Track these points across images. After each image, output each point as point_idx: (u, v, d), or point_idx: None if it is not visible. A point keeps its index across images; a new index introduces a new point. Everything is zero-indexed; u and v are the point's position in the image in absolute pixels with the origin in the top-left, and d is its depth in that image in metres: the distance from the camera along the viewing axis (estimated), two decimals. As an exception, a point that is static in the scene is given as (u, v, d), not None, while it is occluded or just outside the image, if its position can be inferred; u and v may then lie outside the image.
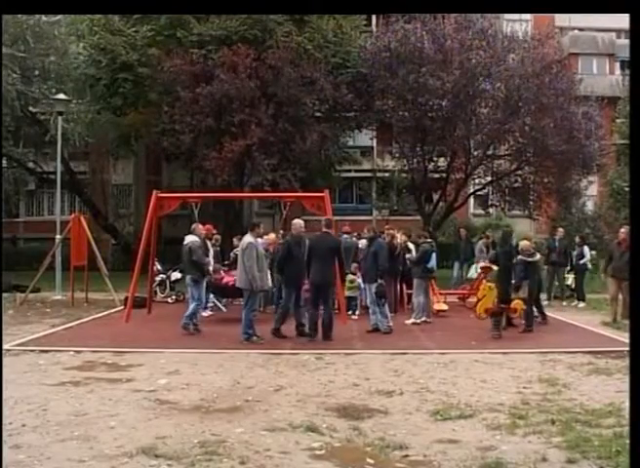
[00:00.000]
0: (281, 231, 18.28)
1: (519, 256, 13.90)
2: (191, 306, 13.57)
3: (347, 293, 15.63)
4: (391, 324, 13.66)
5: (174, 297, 19.05)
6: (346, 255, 14.78)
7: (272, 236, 16.98)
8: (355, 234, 18.57)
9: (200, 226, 14.31)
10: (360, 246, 16.91)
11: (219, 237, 17.55)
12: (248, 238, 12.65)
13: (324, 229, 13.17)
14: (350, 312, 15.77)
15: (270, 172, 24.02)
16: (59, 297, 19.65)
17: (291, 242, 13.16)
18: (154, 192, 16.06)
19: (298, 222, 13.24)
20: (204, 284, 14.00)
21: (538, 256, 14.33)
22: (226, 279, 15.35)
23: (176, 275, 19.12)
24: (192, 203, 16.56)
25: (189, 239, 13.88)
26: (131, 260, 18.90)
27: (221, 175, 23.35)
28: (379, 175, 35.89)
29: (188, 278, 13.79)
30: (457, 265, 21.68)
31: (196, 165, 26.28)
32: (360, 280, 16.28)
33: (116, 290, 18.48)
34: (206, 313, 16.10)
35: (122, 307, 16.85)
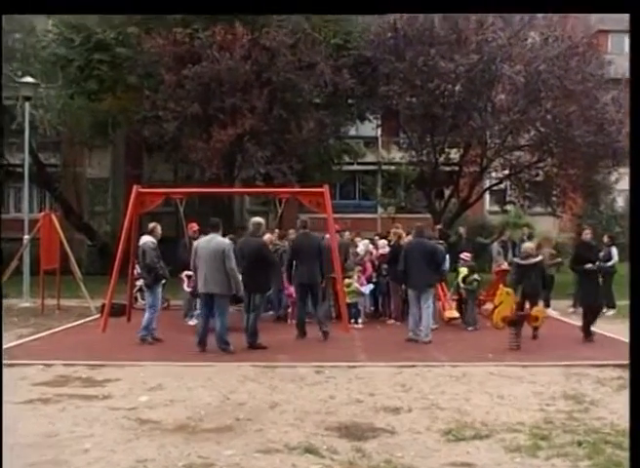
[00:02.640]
0: (276, 230, 18.32)
1: (514, 259, 14.36)
2: (146, 315, 13.69)
3: (347, 300, 15.67)
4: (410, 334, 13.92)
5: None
6: (342, 255, 15.94)
7: (268, 236, 17.02)
8: (354, 233, 18.60)
9: (158, 227, 14.25)
10: (363, 247, 17.06)
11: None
12: (220, 238, 12.91)
13: (302, 230, 14.63)
14: (353, 320, 15.87)
15: (264, 164, 23.99)
16: (27, 305, 19.61)
17: (239, 244, 13.68)
18: (134, 187, 16.06)
19: (254, 221, 13.78)
20: (159, 289, 14.07)
21: (533, 259, 14.38)
22: None
23: (159, 279, 19.10)
24: (177, 199, 16.54)
25: (144, 240, 13.91)
26: (108, 263, 18.84)
27: (209, 167, 23.33)
28: (384, 168, 35.94)
29: (142, 282, 13.87)
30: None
31: (181, 157, 26.23)
32: (360, 285, 16.33)
33: (91, 296, 18.45)
34: (192, 322, 16.10)
35: (98, 315, 16.81)
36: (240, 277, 12.66)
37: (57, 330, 15.49)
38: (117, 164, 36.33)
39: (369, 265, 17.02)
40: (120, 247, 15.55)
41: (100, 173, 37.06)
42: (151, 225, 14.30)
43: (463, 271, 15.78)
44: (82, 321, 16.89)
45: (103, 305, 16.04)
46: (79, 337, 14.46)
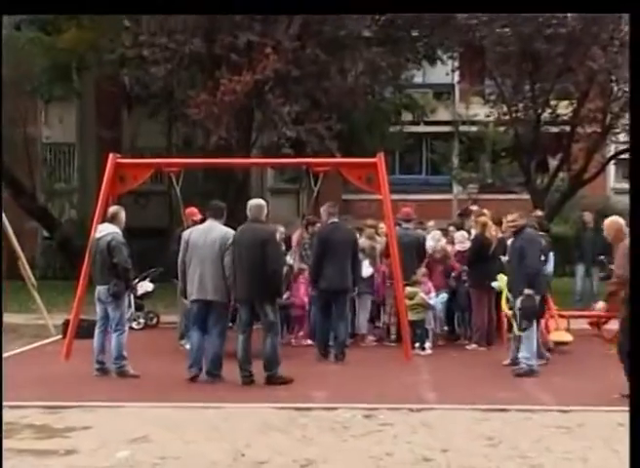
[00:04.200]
0: (308, 217, 18.26)
1: None
2: (113, 339, 13.75)
3: (410, 316, 15.67)
4: (538, 363, 13.99)
5: (142, 321, 19.10)
6: (407, 253, 16.12)
7: (282, 229, 17.17)
8: (417, 221, 18.62)
9: (122, 213, 14.20)
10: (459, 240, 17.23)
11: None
12: (222, 227, 13.27)
13: (331, 219, 15.49)
14: (418, 344, 15.96)
15: (292, 124, 24.00)
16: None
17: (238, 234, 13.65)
18: (111, 156, 16.05)
19: (254, 204, 13.77)
20: (127, 301, 14.25)
21: None
22: None
23: (145, 286, 19.07)
24: (171, 173, 16.56)
25: (107, 230, 13.83)
26: (73, 263, 19.00)
27: (216, 129, 23.35)
28: (462, 129, 35.83)
29: (102, 290, 13.82)
30: (581, 270, 21.59)
31: (176, 114, 26.29)
32: (428, 295, 16.31)
33: (50, 309, 18.59)
34: (188, 345, 16.16)
35: (59, 337, 16.93)
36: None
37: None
38: (85, 123, 36.35)
39: (444, 267, 17.04)
40: (90, 240, 15.53)
41: (62, 136, 37.03)
42: (112, 210, 14.25)
43: (503, 280, 15.06)
44: (36, 344, 17.07)
45: (67, 322, 16.11)
46: (32, 368, 14.54)
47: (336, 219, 15.61)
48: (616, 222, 13.16)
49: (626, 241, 12.74)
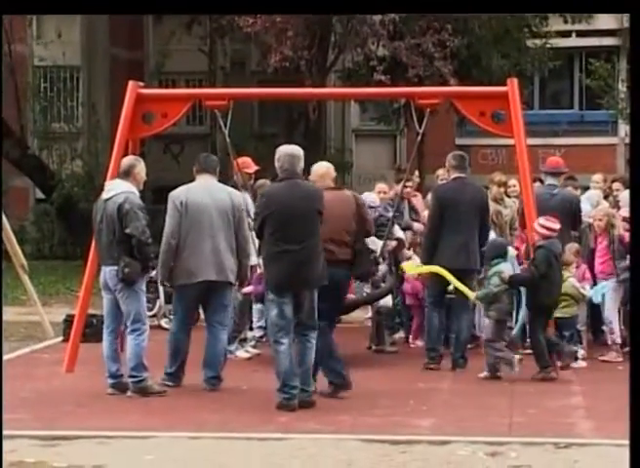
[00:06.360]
0: (415, 174, 18.22)
1: None
2: (129, 343, 13.86)
3: (558, 311, 15.51)
4: None
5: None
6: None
7: (382, 186, 17.16)
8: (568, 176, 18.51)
9: (140, 165, 14.14)
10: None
11: (267, 183, 17.36)
12: (220, 184, 13.79)
13: (455, 173, 15.58)
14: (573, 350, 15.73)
15: (387, 39, 23.96)
16: None
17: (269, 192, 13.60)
18: (130, 84, 16.18)
19: (288, 151, 13.44)
20: (144, 287, 14.37)
21: None
22: None
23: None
24: (215, 109, 16.62)
25: (119, 189, 13.76)
26: (79, 236, 19.16)
27: (279, 46, 23.35)
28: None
29: (110, 273, 13.74)
30: None
31: (222, 25, 26.43)
32: (582, 282, 16.18)
33: (46, 301, 18.75)
34: (244, 352, 16.21)
35: (60, 339, 17.11)
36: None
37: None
38: (94, 39, 36.34)
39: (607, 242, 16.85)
40: (97, 203, 15.58)
41: (62, 56, 36.85)
42: (126, 161, 14.31)
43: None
44: (27, 350, 17.26)
45: (71, 319, 16.26)
46: (22, 384, 14.59)
47: (461, 175, 15.63)
48: (327, 170, 13.70)
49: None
